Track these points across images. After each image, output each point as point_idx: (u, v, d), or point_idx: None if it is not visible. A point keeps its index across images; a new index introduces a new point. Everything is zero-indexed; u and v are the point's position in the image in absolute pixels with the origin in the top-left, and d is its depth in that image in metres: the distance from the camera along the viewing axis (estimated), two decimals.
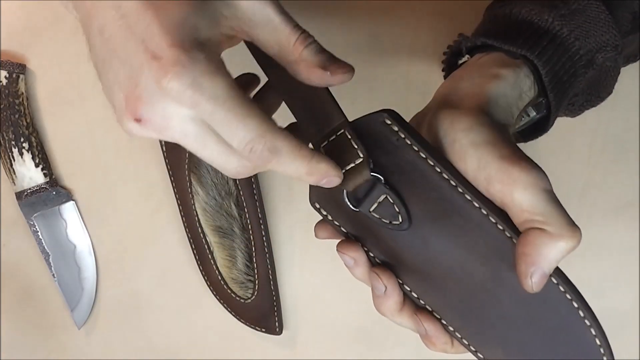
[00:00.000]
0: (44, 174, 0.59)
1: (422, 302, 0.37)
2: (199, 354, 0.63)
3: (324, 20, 0.56)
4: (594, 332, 0.34)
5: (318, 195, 0.38)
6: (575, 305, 0.34)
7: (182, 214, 0.59)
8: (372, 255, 0.38)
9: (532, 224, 0.33)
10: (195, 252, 0.60)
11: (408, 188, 0.35)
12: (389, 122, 0.35)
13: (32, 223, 0.60)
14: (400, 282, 0.37)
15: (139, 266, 0.62)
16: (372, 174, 0.35)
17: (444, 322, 0.37)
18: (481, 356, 0.37)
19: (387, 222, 0.36)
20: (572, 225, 0.33)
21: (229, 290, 0.60)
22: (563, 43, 0.38)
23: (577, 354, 0.34)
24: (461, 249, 0.35)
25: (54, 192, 0.60)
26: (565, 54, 0.38)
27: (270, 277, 0.59)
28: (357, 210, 0.36)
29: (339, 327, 0.62)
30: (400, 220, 0.35)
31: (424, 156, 0.34)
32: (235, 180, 0.57)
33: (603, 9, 0.38)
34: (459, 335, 0.37)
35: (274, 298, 0.60)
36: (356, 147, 0.35)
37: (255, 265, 0.59)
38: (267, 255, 0.59)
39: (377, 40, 0.56)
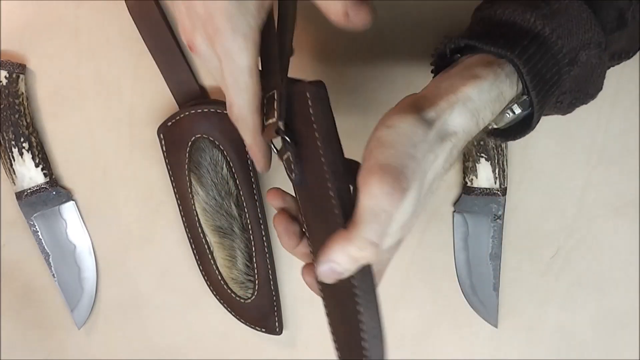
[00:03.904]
0: (44, 174, 0.59)
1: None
2: (199, 354, 0.63)
3: (324, 21, 0.56)
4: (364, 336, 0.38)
5: None
6: (359, 309, 0.38)
7: (182, 214, 0.59)
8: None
9: (354, 218, 0.36)
10: (195, 252, 0.60)
11: (306, 154, 0.40)
12: (307, 96, 0.39)
13: (32, 223, 0.60)
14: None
15: (139, 266, 0.62)
16: (277, 133, 0.40)
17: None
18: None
19: (290, 174, 0.42)
20: (372, 243, 0.35)
21: (229, 290, 0.60)
22: (545, 42, 0.39)
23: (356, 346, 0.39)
24: (319, 215, 0.41)
25: (54, 192, 0.60)
26: (547, 53, 0.39)
27: (270, 277, 0.59)
28: (277, 154, 0.43)
29: None
30: (294, 176, 0.42)
31: (317, 135, 0.38)
32: (235, 180, 0.57)
33: (585, 7, 0.39)
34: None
35: (274, 298, 0.60)
36: (276, 108, 0.40)
37: (255, 265, 0.59)
38: (267, 255, 0.59)
39: (378, 40, 0.56)
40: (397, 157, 0.35)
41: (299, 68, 0.51)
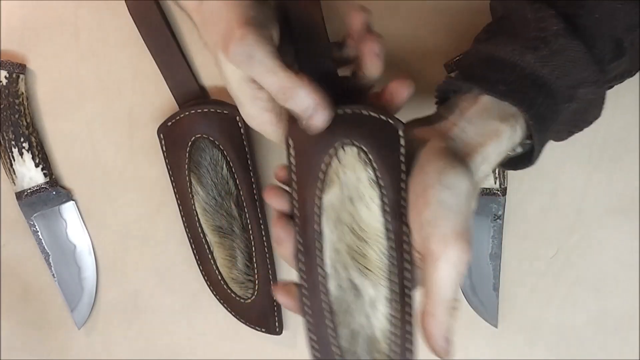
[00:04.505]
0: (44, 174, 0.59)
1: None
2: (199, 354, 0.63)
3: (324, 21, 0.56)
4: None
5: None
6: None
7: (182, 214, 0.59)
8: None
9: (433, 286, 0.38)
10: (195, 252, 0.60)
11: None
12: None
13: (32, 223, 0.60)
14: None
15: (139, 266, 0.62)
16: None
17: None
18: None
19: None
20: (456, 301, 0.38)
21: (229, 290, 0.60)
22: (545, 84, 0.40)
23: None
24: None
25: (54, 192, 0.60)
26: (548, 94, 0.40)
27: (270, 277, 0.59)
28: None
29: None
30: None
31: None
32: (235, 180, 0.57)
33: (582, 47, 0.40)
34: None
35: (274, 298, 0.60)
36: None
37: (255, 265, 0.59)
38: (267, 255, 0.59)
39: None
40: (465, 221, 0.37)
41: None
